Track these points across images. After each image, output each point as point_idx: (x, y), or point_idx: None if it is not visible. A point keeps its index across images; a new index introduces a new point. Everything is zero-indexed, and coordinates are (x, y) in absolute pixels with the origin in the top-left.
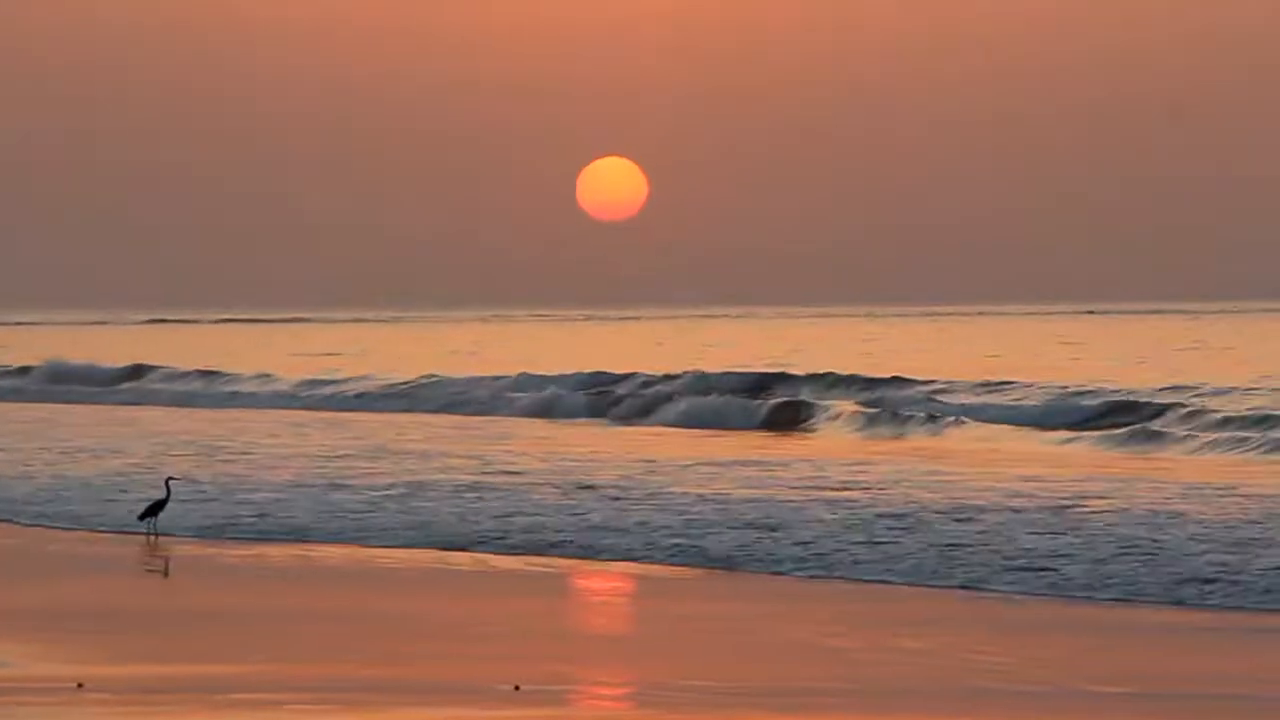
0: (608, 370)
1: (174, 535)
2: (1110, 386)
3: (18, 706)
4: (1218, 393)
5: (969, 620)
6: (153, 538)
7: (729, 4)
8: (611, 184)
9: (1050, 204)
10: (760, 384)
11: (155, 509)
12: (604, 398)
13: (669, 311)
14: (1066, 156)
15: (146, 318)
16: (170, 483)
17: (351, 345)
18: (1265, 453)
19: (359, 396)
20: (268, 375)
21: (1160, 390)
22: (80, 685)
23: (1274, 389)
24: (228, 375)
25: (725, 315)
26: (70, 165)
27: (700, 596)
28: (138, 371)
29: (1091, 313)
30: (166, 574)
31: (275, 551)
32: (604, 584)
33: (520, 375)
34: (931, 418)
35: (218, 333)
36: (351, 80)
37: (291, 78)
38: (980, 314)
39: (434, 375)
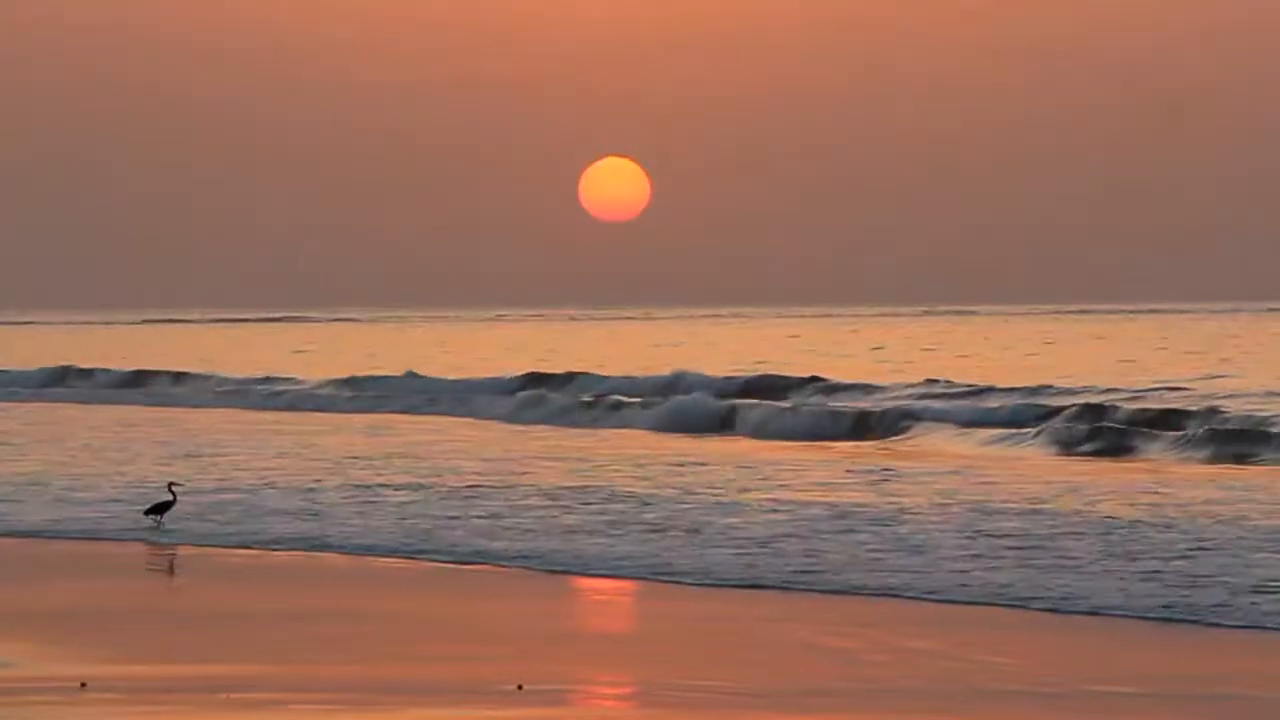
0: (540, 371)
1: (176, 537)
2: (1073, 386)
3: (21, 706)
4: (1143, 392)
5: (971, 621)
6: (159, 526)
7: (731, 4)
8: (614, 185)
9: (1050, 204)
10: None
11: (160, 509)
12: (528, 399)
13: (671, 312)
14: (1066, 156)
15: (141, 318)
16: (174, 488)
17: (326, 344)
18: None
19: (280, 395)
20: (185, 373)
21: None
22: (83, 685)
23: (1190, 390)
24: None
25: (720, 316)
26: (69, 165)
27: (702, 597)
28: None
29: (1086, 312)
30: (172, 573)
31: (279, 552)
32: (606, 584)
33: (407, 374)
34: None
35: (209, 333)
36: (351, 80)
37: (291, 78)
38: (978, 314)
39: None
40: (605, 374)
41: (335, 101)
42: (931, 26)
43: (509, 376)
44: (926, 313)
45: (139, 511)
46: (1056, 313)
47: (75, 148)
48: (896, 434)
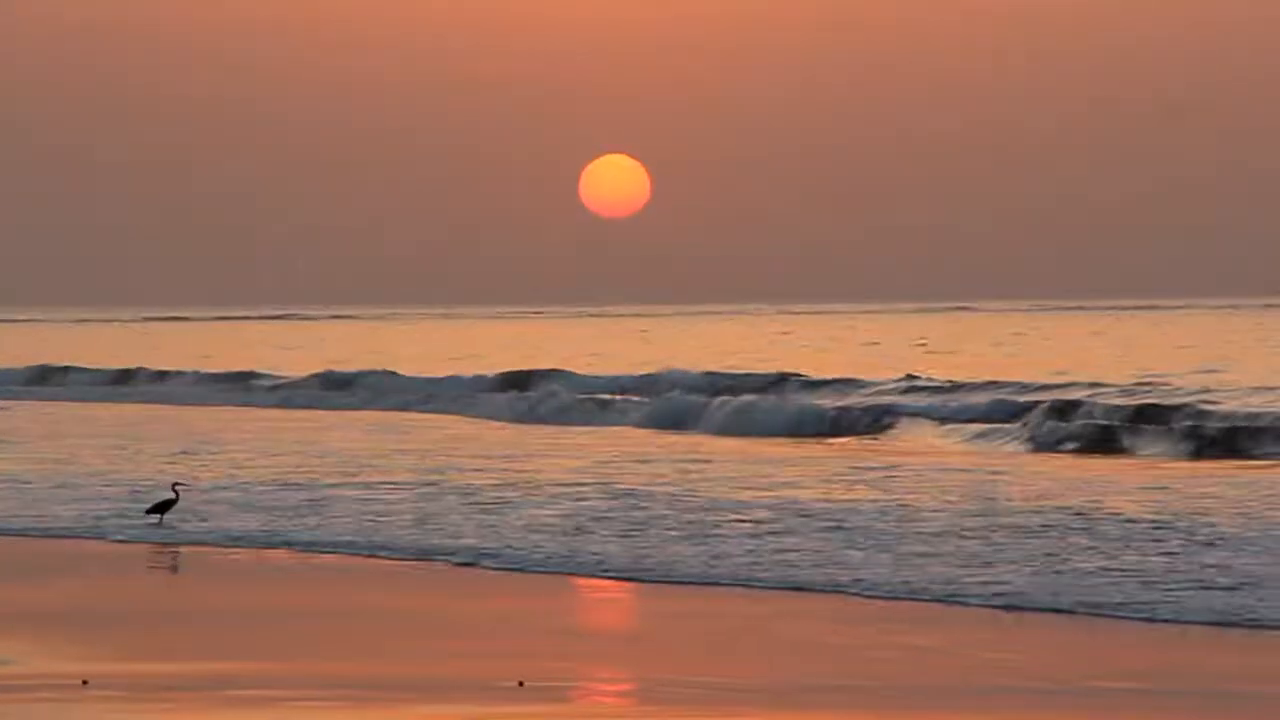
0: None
1: (176, 535)
2: (1062, 381)
3: (24, 703)
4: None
5: (972, 618)
6: (161, 525)
7: (731, 4)
8: (614, 181)
9: (1050, 203)
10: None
11: (163, 507)
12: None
13: (671, 308)
14: (1066, 156)
15: (140, 316)
16: (177, 487)
17: (317, 342)
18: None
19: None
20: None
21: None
22: (85, 682)
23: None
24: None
25: (719, 312)
26: (69, 165)
27: (700, 594)
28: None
29: (1085, 309)
30: (174, 570)
31: (277, 550)
32: (604, 582)
33: (385, 371)
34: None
35: (202, 330)
36: (352, 79)
37: (292, 77)
38: (976, 312)
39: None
40: (590, 371)
41: (335, 101)
42: (931, 26)
43: (493, 374)
44: (924, 310)
45: (140, 509)
46: (1056, 309)
47: (75, 148)
48: (880, 430)
